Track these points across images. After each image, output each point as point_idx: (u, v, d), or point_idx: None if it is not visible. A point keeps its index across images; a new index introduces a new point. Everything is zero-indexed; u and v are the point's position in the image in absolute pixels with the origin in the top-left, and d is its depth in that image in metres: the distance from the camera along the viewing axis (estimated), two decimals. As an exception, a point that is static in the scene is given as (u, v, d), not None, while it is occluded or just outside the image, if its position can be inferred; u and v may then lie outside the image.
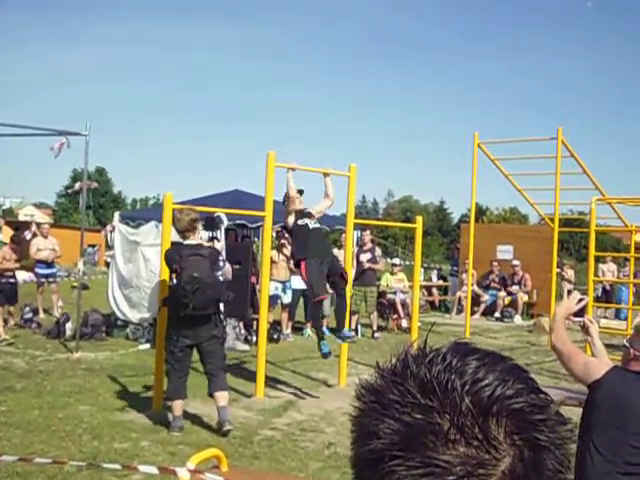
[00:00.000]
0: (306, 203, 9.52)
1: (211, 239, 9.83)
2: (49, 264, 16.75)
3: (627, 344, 4.13)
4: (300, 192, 9.53)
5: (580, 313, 4.31)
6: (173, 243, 8.79)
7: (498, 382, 0.80)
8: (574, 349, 4.02)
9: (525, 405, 0.80)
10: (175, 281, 7.88)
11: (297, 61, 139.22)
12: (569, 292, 4.91)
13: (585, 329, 4.32)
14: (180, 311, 7.72)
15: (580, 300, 4.28)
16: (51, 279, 16.74)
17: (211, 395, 7.94)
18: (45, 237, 16.96)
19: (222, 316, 8.42)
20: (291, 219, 9.31)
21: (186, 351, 7.91)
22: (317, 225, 9.43)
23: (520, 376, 0.84)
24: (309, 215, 9.35)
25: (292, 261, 10.62)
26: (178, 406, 7.85)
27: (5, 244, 16.10)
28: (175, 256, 7.95)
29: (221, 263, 8.82)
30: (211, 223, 8.78)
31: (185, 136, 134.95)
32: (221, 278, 8.30)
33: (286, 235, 14.91)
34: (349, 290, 10.69)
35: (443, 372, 0.82)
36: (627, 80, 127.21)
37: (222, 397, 7.87)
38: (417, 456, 0.77)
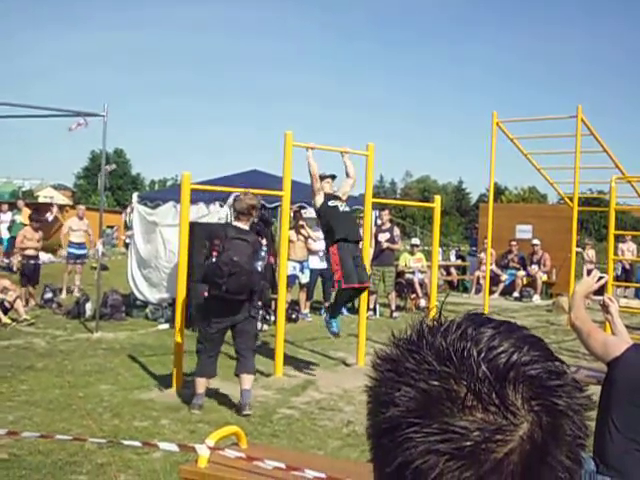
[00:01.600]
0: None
1: (258, 234, 9.73)
2: (81, 245, 16.91)
3: None
4: (332, 177, 9.57)
5: (600, 292, 4.28)
6: (191, 223, 8.80)
7: (514, 349, 0.80)
8: (593, 327, 3.98)
9: (542, 371, 0.80)
10: (214, 259, 7.77)
11: (313, 43, 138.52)
12: (589, 271, 4.85)
13: (605, 308, 4.28)
14: (212, 290, 7.72)
15: (600, 278, 4.26)
16: (80, 260, 16.91)
17: (237, 375, 7.91)
18: (81, 218, 17.14)
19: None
20: (319, 199, 9.32)
21: (221, 331, 7.89)
22: (347, 209, 9.48)
23: (536, 344, 0.83)
24: (339, 198, 9.37)
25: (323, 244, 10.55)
26: (201, 384, 7.84)
27: (25, 225, 16.24)
28: (221, 233, 7.94)
29: (263, 254, 8.78)
30: (265, 220, 8.79)
31: (203, 117, 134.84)
32: (259, 268, 8.25)
33: (304, 215, 14.96)
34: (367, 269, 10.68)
35: (459, 340, 0.82)
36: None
37: (247, 380, 7.83)
38: (434, 422, 0.77)
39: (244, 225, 8.07)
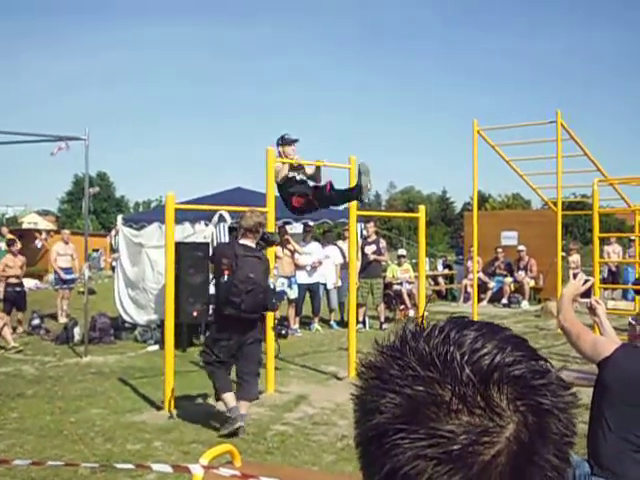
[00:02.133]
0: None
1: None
2: (68, 269, 16.85)
3: (633, 321, 4.12)
4: (295, 141, 9.07)
5: (587, 294, 4.29)
6: (177, 243, 8.71)
7: (497, 350, 0.81)
8: (582, 328, 4.00)
9: (526, 371, 0.80)
10: (226, 279, 7.50)
11: (294, 57, 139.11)
12: (575, 275, 4.84)
13: (592, 310, 4.31)
14: (226, 310, 7.48)
15: (586, 281, 4.27)
16: (67, 285, 16.84)
17: (237, 400, 7.65)
18: (66, 243, 17.06)
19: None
20: (281, 174, 8.76)
21: (231, 352, 7.67)
22: (304, 177, 8.90)
23: (518, 344, 0.84)
24: (298, 168, 8.88)
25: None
26: (230, 398, 7.58)
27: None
28: (229, 252, 7.66)
29: (275, 271, 8.61)
30: (266, 240, 8.42)
31: (185, 137, 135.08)
32: (272, 285, 8.10)
33: (289, 231, 14.96)
34: (355, 282, 10.69)
35: (442, 344, 0.82)
36: (623, 59, 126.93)
37: (244, 406, 7.67)
38: (420, 428, 0.77)
39: (251, 243, 7.80)
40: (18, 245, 15.65)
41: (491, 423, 0.77)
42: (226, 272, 7.50)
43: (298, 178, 8.88)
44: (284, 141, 9.06)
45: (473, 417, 0.77)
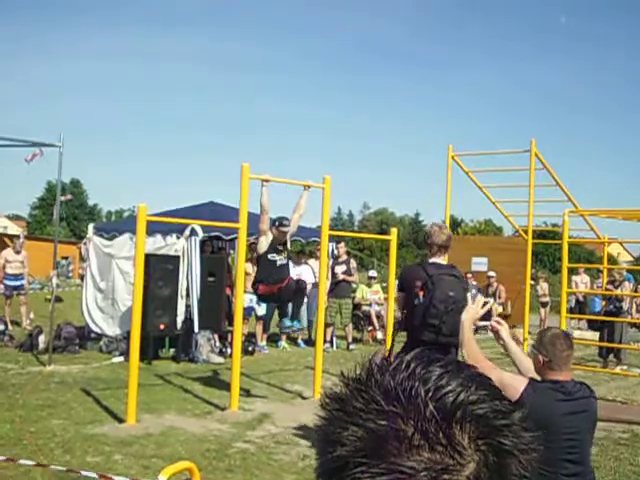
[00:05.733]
0: (277, 213, 9.72)
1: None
2: (17, 276, 16.64)
3: (534, 350, 3.88)
4: (283, 224, 9.54)
5: (486, 317, 4.10)
6: (147, 255, 8.69)
7: (461, 388, 0.81)
8: (487, 365, 3.79)
9: (489, 410, 0.80)
10: (421, 300, 6.62)
11: (271, 74, 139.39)
12: (473, 297, 4.48)
13: (495, 333, 4.13)
14: (423, 335, 6.56)
15: (485, 304, 4.14)
16: (20, 291, 16.65)
17: None
18: (18, 252, 16.85)
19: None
20: (263, 246, 9.46)
21: None
22: (285, 261, 9.67)
23: (483, 383, 0.84)
24: (281, 251, 9.54)
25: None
26: None
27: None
28: (420, 273, 6.76)
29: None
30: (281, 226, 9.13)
31: (161, 148, 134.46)
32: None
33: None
34: (324, 302, 10.72)
35: (407, 379, 0.82)
36: (599, 92, 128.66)
37: None
38: (381, 462, 0.77)
39: (442, 260, 6.95)
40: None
41: (452, 461, 0.77)
42: (420, 293, 6.65)
43: (279, 263, 9.46)
44: (280, 225, 9.52)
45: (434, 454, 0.77)
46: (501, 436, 0.79)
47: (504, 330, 4.10)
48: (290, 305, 14.04)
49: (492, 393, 0.83)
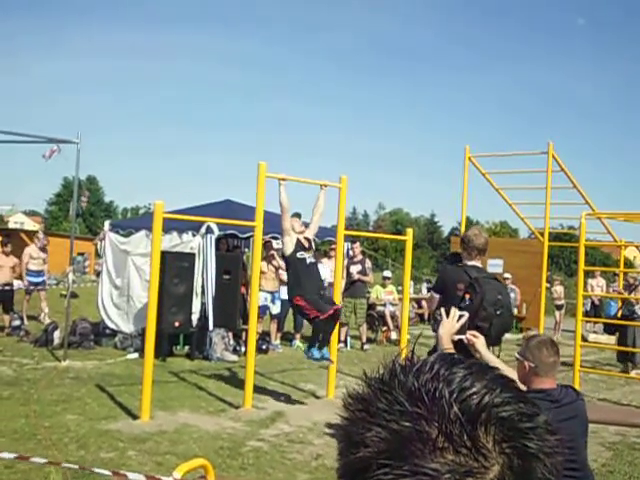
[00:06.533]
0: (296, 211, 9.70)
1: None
2: (39, 272, 16.76)
3: (519, 356, 3.87)
4: (298, 216, 9.61)
5: (462, 330, 4.04)
6: (163, 252, 8.68)
7: (486, 390, 0.80)
8: None
9: (513, 413, 0.79)
10: (467, 302, 6.34)
11: (288, 73, 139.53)
12: (447, 311, 4.33)
13: (472, 346, 4.10)
14: None
15: (460, 317, 4.09)
16: (40, 287, 16.76)
17: None
18: (42, 248, 16.99)
19: None
20: (289, 247, 9.36)
21: None
22: (313, 259, 9.62)
23: (507, 385, 0.83)
24: (307, 248, 9.47)
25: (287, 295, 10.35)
26: None
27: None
28: (463, 276, 6.57)
29: (513, 295, 7.95)
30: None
31: (178, 146, 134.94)
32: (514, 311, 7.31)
33: (275, 246, 14.93)
34: (338, 302, 10.69)
35: (431, 381, 0.81)
36: (619, 93, 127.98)
37: None
38: (405, 464, 0.76)
39: (480, 264, 6.85)
40: (9, 246, 15.62)
41: (476, 463, 0.76)
42: (467, 295, 6.44)
43: (308, 261, 9.40)
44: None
45: (458, 456, 0.76)
46: (526, 439, 0.79)
47: (479, 342, 4.08)
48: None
49: (517, 395, 0.82)
